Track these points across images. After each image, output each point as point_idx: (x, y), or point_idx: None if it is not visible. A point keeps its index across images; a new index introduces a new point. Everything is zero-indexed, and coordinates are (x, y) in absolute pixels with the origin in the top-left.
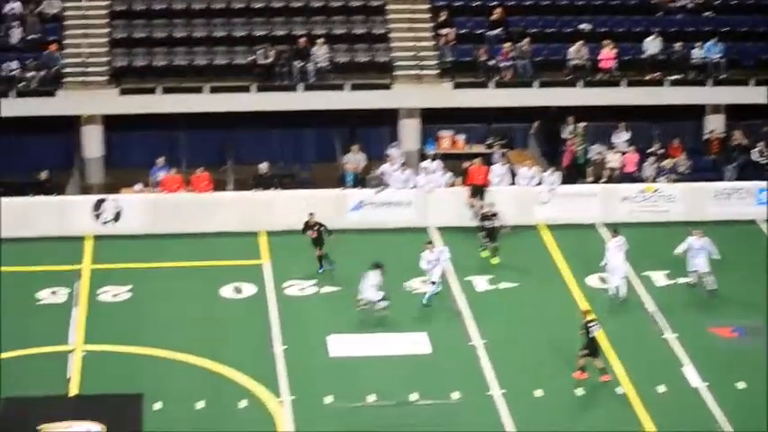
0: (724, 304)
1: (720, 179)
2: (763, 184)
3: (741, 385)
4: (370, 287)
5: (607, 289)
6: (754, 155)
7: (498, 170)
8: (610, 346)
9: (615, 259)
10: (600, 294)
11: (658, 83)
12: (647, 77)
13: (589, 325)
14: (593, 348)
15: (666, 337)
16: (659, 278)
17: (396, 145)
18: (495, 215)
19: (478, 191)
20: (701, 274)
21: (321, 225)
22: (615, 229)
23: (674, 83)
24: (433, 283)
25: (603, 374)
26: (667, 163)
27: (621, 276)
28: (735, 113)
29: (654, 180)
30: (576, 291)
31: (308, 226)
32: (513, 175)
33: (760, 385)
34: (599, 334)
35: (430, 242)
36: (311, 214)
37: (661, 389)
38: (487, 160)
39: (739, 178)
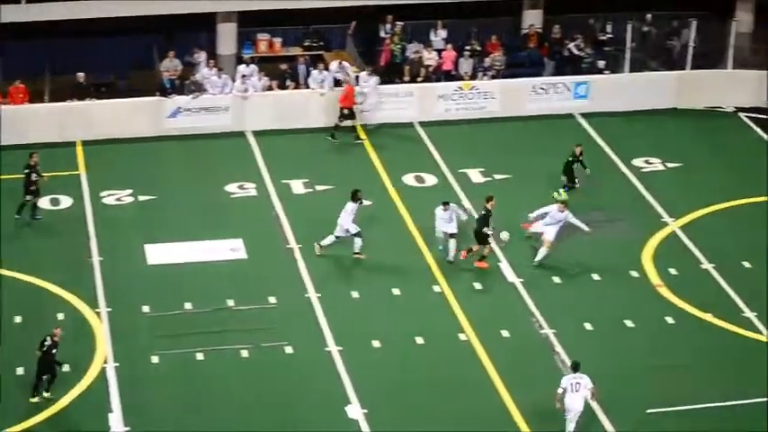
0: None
1: (538, 74)
2: (580, 77)
3: (556, 279)
4: (348, 216)
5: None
6: (572, 49)
7: (317, 75)
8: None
9: (446, 228)
10: (417, 192)
11: None
12: None
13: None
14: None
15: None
16: (475, 176)
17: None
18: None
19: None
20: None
21: (34, 168)
22: (446, 201)
23: None
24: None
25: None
26: (485, 60)
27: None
28: (552, 8)
29: (471, 77)
30: (392, 190)
31: (28, 166)
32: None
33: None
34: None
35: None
36: (32, 154)
37: (477, 286)
38: (295, 68)
39: (557, 73)
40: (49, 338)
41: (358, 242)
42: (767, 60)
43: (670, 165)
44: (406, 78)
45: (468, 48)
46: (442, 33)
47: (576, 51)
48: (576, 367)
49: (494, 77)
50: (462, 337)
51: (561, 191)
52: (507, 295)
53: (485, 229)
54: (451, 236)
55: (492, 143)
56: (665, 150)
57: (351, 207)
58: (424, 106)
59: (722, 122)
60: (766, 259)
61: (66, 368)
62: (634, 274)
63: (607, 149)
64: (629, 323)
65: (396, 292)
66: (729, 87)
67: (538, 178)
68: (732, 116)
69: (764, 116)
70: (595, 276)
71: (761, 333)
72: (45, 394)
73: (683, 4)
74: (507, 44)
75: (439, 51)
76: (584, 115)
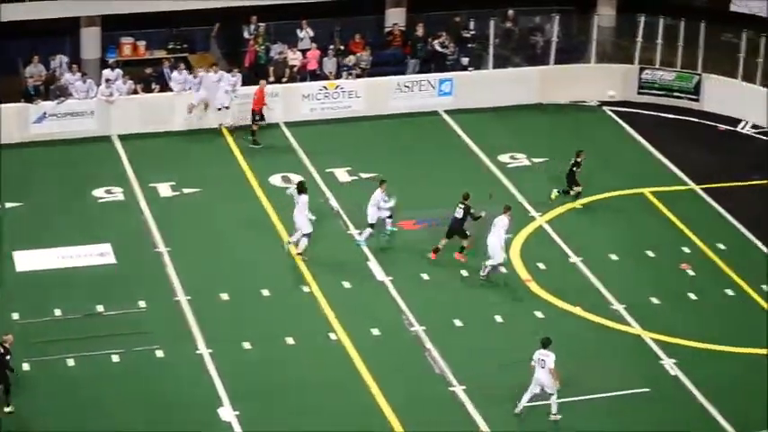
0: (414, 198)
1: (402, 72)
2: (444, 75)
3: (425, 276)
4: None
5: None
6: (436, 46)
7: (178, 77)
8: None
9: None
10: (281, 193)
11: None
12: None
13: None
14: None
15: (350, 232)
16: (342, 175)
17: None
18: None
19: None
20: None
21: None
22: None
23: None
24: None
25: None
26: (349, 59)
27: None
28: (416, 6)
29: (336, 77)
30: (259, 191)
31: None
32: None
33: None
34: None
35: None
36: None
37: (346, 284)
38: (161, 71)
39: (422, 71)
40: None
41: (304, 242)
42: (630, 54)
43: (536, 159)
44: (271, 79)
45: (332, 47)
46: (309, 32)
47: (439, 49)
48: (544, 344)
49: (358, 76)
50: (333, 336)
51: (555, 192)
52: (377, 293)
53: (474, 212)
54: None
55: (358, 142)
56: (530, 145)
57: (303, 200)
58: (289, 106)
59: (586, 116)
60: (633, 251)
61: None
62: (502, 269)
63: (472, 145)
64: (498, 318)
65: (265, 293)
66: (593, 81)
67: (404, 176)
68: (596, 110)
69: (628, 109)
70: (464, 272)
71: (630, 325)
72: (6, 408)
73: (545, 0)
74: (371, 43)
75: (303, 51)
76: (449, 112)
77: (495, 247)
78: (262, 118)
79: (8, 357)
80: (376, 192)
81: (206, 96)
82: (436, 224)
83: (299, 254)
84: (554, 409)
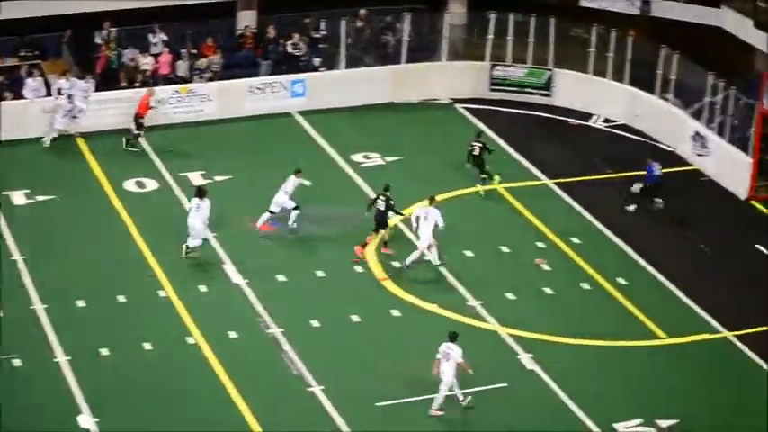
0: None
1: (255, 75)
2: (296, 76)
3: (281, 278)
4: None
5: None
6: (288, 48)
7: (32, 84)
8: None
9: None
10: (135, 198)
11: None
12: None
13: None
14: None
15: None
16: (196, 179)
17: None
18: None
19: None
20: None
21: None
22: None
23: None
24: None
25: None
26: (201, 62)
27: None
28: (266, 8)
29: (189, 81)
30: (114, 197)
31: None
32: (49, 87)
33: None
34: None
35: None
36: None
37: (202, 288)
38: (18, 76)
39: (274, 72)
40: None
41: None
42: (481, 52)
43: (389, 158)
44: (123, 84)
45: (183, 51)
46: (162, 37)
47: (291, 50)
48: (451, 337)
49: (210, 80)
50: (190, 340)
51: (480, 186)
52: (233, 296)
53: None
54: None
55: (212, 145)
56: (383, 145)
57: (204, 205)
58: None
59: (439, 114)
60: (487, 248)
61: None
62: (358, 269)
63: (326, 146)
64: (355, 318)
65: (121, 299)
66: (444, 79)
67: (259, 178)
68: (448, 107)
69: (480, 106)
70: (320, 273)
71: (487, 321)
72: None
73: None
74: (223, 46)
75: (156, 56)
76: (303, 113)
77: (427, 238)
78: (141, 126)
79: None
80: (291, 178)
81: (61, 103)
82: (356, 223)
83: (188, 255)
84: (436, 405)
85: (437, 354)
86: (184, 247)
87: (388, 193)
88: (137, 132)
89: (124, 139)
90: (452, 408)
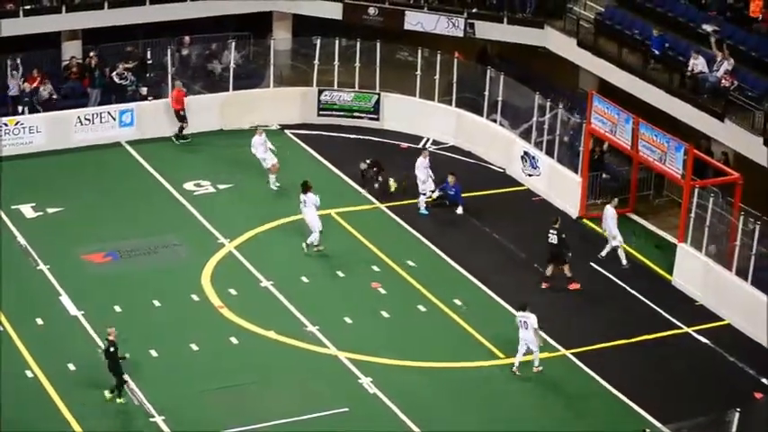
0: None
1: (84, 105)
2: (124, 105)
3: (117, 308)
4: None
5: None
6: (114, 78)
7: None
8: None
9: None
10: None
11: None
12: None
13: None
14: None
15: (41, 268)
16: (28, 211)
17: None
18: None
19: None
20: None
21: None
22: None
23: (28, 12)
24: None
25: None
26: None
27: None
28: (91, 38)
29: (15, 112)
30: None
31: None
32: None
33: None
34: None
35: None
36: None
37: (39, 321)
38: None
39: (103, 102)
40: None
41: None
42: (308, 77)
43: (221, 186)
44: None
45: (10, 82)
46: None
47: (118, 80)
48: (522, 307)
49: (38, 111)
50: (29, 373)
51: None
52: (70, 328)
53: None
54: None
55: (42, 177)
56: (214, 173)
57: (311, 199)
58: None
59: (270, 141)
60: (323, 272)
61: None
62: (195, 297)
63: (157, 175)
64: (194, 347)
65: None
66: (272, 105)
67: (91, 209)
68: (278, 133)
69: (309, 132)
70: (156, 302)
71: (325, 346)
72: (118, 400)
73: (221, 26)
74: (51, 75)
75: None
76: (132, 143)
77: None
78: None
79: (113, 350)
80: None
81: None
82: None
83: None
84: (536, 363)
85: (517, 321)
86: (304, 245)
87: (556, 225)
88: (180, 125)
89: (173, 137)
90: None
